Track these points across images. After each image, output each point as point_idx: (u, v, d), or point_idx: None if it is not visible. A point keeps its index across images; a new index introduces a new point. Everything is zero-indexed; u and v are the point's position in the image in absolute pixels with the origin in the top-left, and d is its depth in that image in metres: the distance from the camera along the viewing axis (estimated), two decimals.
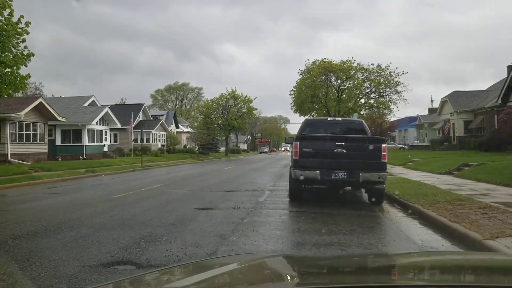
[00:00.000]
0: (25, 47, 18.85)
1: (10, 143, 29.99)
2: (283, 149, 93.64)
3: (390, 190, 12.14)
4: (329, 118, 13.85)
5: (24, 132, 31.98)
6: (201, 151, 58.45)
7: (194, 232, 7.23)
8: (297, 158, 10.53)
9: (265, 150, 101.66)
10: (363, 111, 49.26)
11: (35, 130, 33.22)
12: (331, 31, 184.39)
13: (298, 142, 10.53)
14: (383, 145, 10.48)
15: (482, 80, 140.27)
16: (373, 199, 11.11)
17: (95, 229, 7.49)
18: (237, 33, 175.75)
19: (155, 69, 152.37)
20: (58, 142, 39.21)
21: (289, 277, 1.87)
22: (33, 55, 18.74)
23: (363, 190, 12.30)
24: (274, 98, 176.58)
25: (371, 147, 10.42)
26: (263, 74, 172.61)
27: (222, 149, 76.72)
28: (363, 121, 13.66)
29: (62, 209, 10.06)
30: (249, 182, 16.93)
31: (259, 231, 7.35)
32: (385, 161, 10.54)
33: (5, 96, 19.63)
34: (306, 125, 13.03)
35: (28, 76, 19.24)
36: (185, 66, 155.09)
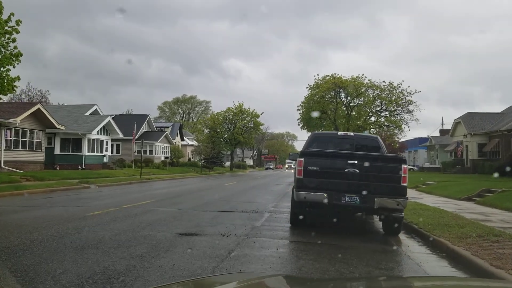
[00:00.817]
0: (15, 47, 17.57)
1: (4, 150, 28.68)
2: (286, 166, 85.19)
3: (407, 218, 10.45)
4: (339, 133, 12.20)
5: (20, 139, 30.69)
6: (205, 165, 56.91)
7: (163, 270, 5.61)
8: (301, 177, 8.90)
9: (271, 166, 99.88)
10: (373, 129, 47.55)
11: (31, 137, 31.92)
12: (337, 50, 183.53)
13: (302, 159, 8.92)
14: (404, 165, 8.84)
15: (490, 103, 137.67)
16: (389, 229, 9.46)
17: (40, 260, 5.89)
18: (244, 49, 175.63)
19: (163, 82, 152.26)
20: (57, 150, 37.89)
21: None
22: (21, 55, 17.42)
23: (375, 216, 10.67)
24: (279, 114, 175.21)
25: (389, 167, 8.80)
26: (269, 90, 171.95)
27: (227, 163, 75.12)
28: (378, 137, 12.01)
29: (16, 229, 8.47)
30: (248, 201, 15.29)
31: (248, 272, 5.72)
32: (406, 184, 8.90)
33: None
34: (313, 139, 11.42)
35: (18, 78, 17.90)
36: (192, 80, 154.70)
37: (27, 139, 31.46)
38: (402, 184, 8.78)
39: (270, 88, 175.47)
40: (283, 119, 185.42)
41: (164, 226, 9.24)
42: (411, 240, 9.23)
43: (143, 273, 5.40)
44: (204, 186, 25.50)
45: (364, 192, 8.68)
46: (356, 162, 8.79)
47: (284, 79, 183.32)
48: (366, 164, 8.78)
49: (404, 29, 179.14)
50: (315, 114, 44.35)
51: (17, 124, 28.88)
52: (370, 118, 48.21)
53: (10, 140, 29.70)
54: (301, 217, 9.66)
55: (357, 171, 8.75)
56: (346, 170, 8.76)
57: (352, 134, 11.84)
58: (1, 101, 19.52)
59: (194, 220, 10.34)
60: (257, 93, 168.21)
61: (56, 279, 4.99)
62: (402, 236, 9.48)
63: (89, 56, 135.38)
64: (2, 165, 28.22)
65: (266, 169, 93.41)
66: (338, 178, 8.79)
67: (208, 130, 66.73)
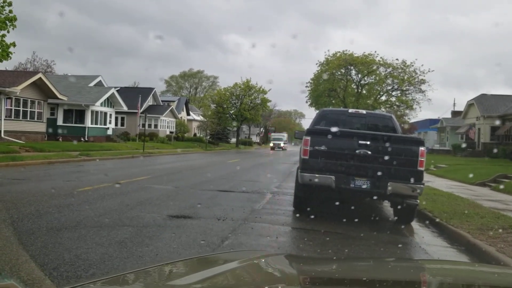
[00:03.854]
0: (10, 11, 16.65)
1: (4, 119, 28.02)
2: (271, 144, 67.56)
3: (420, 204, 9.60)
4: (350, 110, 11.23)
5: (21, 109, 29.96)
6: (211, 140, 56.18)
7: (143, 261, 4.84)
8: (306, 157, 8.04)
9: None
10: (383, 108, 46.35)
11: (33, 107, 31.18)
12: (337, 28, 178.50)
13: (309, 137, 8.04)
14: (422, 148, 7.95)
15: (494, 85, 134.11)
16: (402, 217, 8.64)
17: (3, 244, 5.15)
18: (242, 24, 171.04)
19: (163, 56, 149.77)
20: (59, 121, 37.21)
21: (292, 277, 1.84)
22: (16, 19, 16.51)
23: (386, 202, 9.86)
24: (281, 92, 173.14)
25: (405, 149, 7.92)
26: (270, 67, 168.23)
27: (233, 140, 74.34)
28: (393, 116, 11.05)
29: None
30: (250, 180, 14.52)
31: (252, 250, 5.00)
32: (423, 169, 8.03)
33: None
34: (321, 117, 10.50)
35: (13, 44, 17.03)
36: (192, 54, 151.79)
37: (28, 109, 30.75)
38: (418, 168, 7.92)
39: (271, 65, 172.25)
40: (286, 96, 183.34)
41: (156, 207, 8.49)
42: (425, 229, 8.45)
43: (118, 265, 4.64)
44: (207, 163, 24.79)
45: (376, 176, 7.83)
46: (368, 142, 7.92)
47: (284, 56, 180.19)
48: (379, 145, 7.92)
49: (404, 8, 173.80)
50: (325, 76, 43.05)
51: (18, 93, 28.12)
52: (381, 97, 46.96)
53: (11, 109, 29.00)
54: (305, 200, 8.85)
55: (369, 152, 7.88)
56: (356, 151, 7.90)
57: (364, 112, 10.91)
58: None
59: (190, 200, 9.58)
60: (258, 69, 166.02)
61: (13, 270, 4.24)
62: (415, 224, 8.70)
63: (88, 27, 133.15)
64: (2, 135, 27.63)
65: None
66: (348, 160, 7.94)
67: (215, 105, 65.69)
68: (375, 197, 8.84)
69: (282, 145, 65.61)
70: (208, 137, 56.21)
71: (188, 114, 69.02)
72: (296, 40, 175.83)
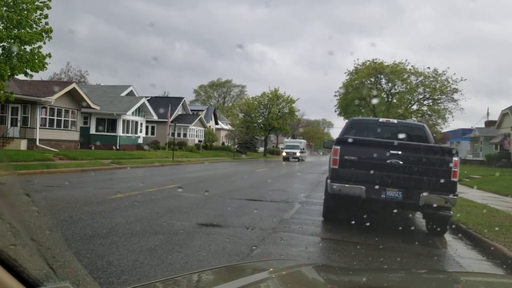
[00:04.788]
0: (46, 23, 17.28)
1: (39, 128, 28.97)
2: (284, 153, 54.44)
3: (453, 215, 9.34)
4: (381, 119, 11.08)
5: (55, 118, 30.92)
6: (238, 149, 56.43)
7: (173, 268, 4.88)
8: (336, 167, 7.96)
9: (306, 153, 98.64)
10: (414, 118, 45.50)
11: (67, 116, 32.14)
12: (363, 37, 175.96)
13: (338, 147, 7.97)
14: (455, 158, 7.75)
15: None
16: (434, 229, 8.43)
17: None
18: (266, 34, 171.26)
19: (189, 66, 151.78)
20: (92, 130, 38.19)
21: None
22: (52, 31, 17.10)
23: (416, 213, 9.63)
24: (309, 101, 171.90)
25: (438, 160, 7.74)
26: (296, 76, 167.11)
27: (261, 149, 74.41)
28: (425, 125, 10.83)
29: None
30: (278, 190, 14.46)
31: (282, 259, 4.95)
32: (456, 180, 7.82)
33: (25, 76, 18.01)
34: (350, 126, 10.39)
35: (49, 55, 17.64)
36: (219, 64, 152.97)
37: (62, 118, 31.69)
38: (452, 179, 7.72)
39: (297, 74, 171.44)
40: (314, 105, 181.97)
41: (185, 214, 8.56)
42: (458, 242, 8.21)
43: (149, 272, 4.69)
44: (235, 172, 24.88)
45: (408, 187, 7.68)
46: (399, 152, 7.78)
47: (310, 65, 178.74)
48: (411, 155, 7.77)
49: (429, 16, 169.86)
50: (365, 90, 42.66)
51: (52, 102, 29.05)
52: (411, 106, 46.13)
53: (46, 118, 29.96)
54: (334, 211, 8.75)
55: (401, 162, 7.74)
56: (387, 161, 7.77)
57: (395, 121, 10.74)
58: (32, 78, 19.35)
59: (219, 209, 9.62)
60: (284, 78, 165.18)
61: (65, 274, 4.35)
62: (448, 236, 8.46)
63: (117, 38, 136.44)
64: (37, 143, 28.55)
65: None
66: (379, 170, 7.81)
67: (243, 114, 66.04)
68: (407, 209, 8.67)
69: (298, 154, 52.33)
70: (236, 146, 56.49)
71: (216, 123, 69.62)
72: (322, 49, 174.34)
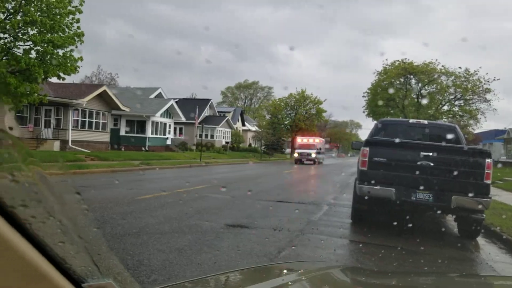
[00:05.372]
0: (78, 27, 17.76)
1: (71, 129, 29.77)
2: (296, 154, 45.65)
3: (486, 218, 9.08)
4: (411, 120, 10.89)
5: (87, 120, 31.70)
6: (265, 151, 56.46)
7: (202, 269, 4.93)
8: (365, 169, 7.86)
9: (333, 155, 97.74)
10: (445, 119, 44.47)
11: (98, 118, 32.90)
12: (388, 37, 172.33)
13: (367, 148, 7.87)
14: (488, 160, 7.54)
15: None
16: (466, 232, 8.21)
17: None
18: (290, 35, 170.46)
19: (215, 68, 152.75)
20: (122, 132, 38.96)
21: None
22: (83, 34, 17.56)
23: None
24: (337, 102, 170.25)
25: (470, 161, 7.54)
26: (322, 77, 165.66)
27: (288, 150, 74.28)
28: (456, 126, 10.58)
29: None
30: (306, 191, 14.41)
31: (312, 261, 4.93)
32: (489, 182, 7.60)
33: (58, 79, 18.54)
34: (380, 127, 10.24)
35: (80, 58, 18.11)
36: (244, 66, 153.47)
37: (93, 120, 32.46)
38: (485, 181, 7.51)
39: (323, 75, 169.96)
40: (341, 106, 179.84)
41: (213, 215, 8.63)
42: (492, 245, 7.97)
43: (178, 272, 4.75)
44: (262, 173, 24.89)
45: (439, 189, 7.51)
46: (430, 154, 7.61)
47: (336, 65, 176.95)
48: (443, 156, 7.60)
49: (456, 16, 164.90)
50: (391, 90, 41.95)
51: (84, 105, 29.80)
52: (442, 107, 45.11)
53: (77, 120, 30.75)
54: (363, 213, 8.65)
55: (432, 164, 7.57)
56: (418, 163, 7.62)
57: (425, 122, 10.53)
58: (65, 81, 19.94)
59: (246, 210, 9.65)
60: (310, 79, 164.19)
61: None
62: (481, 240, 8.24)
63: (144, 42, 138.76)
64: (70, 144, 29.33)
65: (328, 157, 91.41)
66: (409, 172, 7.66)
67: (270, 116, 66.06)
68: (438, 211, 8.48)
69: (313, 155, 43.32)
70: (263, 147, 56.55)
71: (243, 124, 69.87)
72: (347, 49, 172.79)
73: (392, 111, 44.87)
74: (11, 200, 0.62)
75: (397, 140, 8.43)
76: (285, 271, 2.14)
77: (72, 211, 1.08)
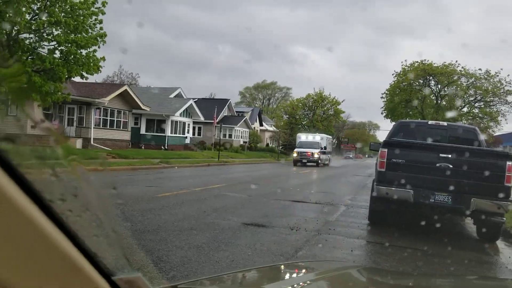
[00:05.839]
0: (101, 28, 18.10)
1: (93, 127, 30.32)
2: (295, 153, 37.45)
3: (506, 221, 8.97)
4: (430, 122, 10.82)
5: (108, 118, 32.24)
6: (283, 151, 56.44)
7: (219, 266, 5.02)
8: (383, 170, 7.87)
9: (351, 156, 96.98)
10: (464, 121, 43.77)
11: (119, 117, 33.43)
12: (406, 37, 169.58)
13: (386, 149, 7.87)
14: (509, 162, 7.46)
15: None
16: (485, 235, 8.14)
17: None
18: (307, 35, 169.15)
19: (233, 68, 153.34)
20: (142, 130, 39.47)
21: None
22: (106, 35, 17.90)
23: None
24: (354, 103, 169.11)
25: (490, 164, 7.48)
26: (339, 78, 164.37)
27: None
28: (476, 128, 10.47)
29: None
30: (323, 192, 14.40)
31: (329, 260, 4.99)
32: (510, 185, 7.52)
33: (81, 78, 18.95)
34: (398, 128, 10.21)
35: (103, 59, 18.47)
36: (262, 66, 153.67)
37: (115, 119, 33.00)
38: (505, 184, 7.43)
39: (340, 75, 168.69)
40: (358, 107, 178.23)
41: (230, 214, 8.73)
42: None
43: (196, 268, 4.86)
44: (279, 173, 24.93)
45: (458, 191, 7.47)
46: (449, 156, 7.58)
47: (353, 66, 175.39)
48: (462, 158, 7.54)
49: (474, 16, 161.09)
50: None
51: (106, 103, 30.34)
52: (462, 108, 44.43)
53: (99, 118, 31.30)
54: (381, 214, 8.64)
55: (451, 166, 7.54)
56: (437, 164, 7.59)
57: (445, 123, 10.44)
58: (87, 80, 20.40)
59: (263, 209, 9.74)
60: (328, 80, 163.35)
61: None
62: (500, 243, 8.16)
63: (163, 42, 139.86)
64: (92, 142, 29.86)
65: (345, 158, 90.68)
66: (427, 174, 7.64)
67: (287, 116, 66.00)
68: (456, 214, 8.42)
69: (316, 155, 36.18)
70: (280, 147, 56.54)
71: (261, 124, 69.98)
72: (364, 50, 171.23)
73: (410, 113, 44.39)
74: (50, 194, 0.66)
75: (415, 142, 8.42)
76: (303, 270, 2.15)
77: (107, 206, 1.14)
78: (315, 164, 35.93)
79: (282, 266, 2.68)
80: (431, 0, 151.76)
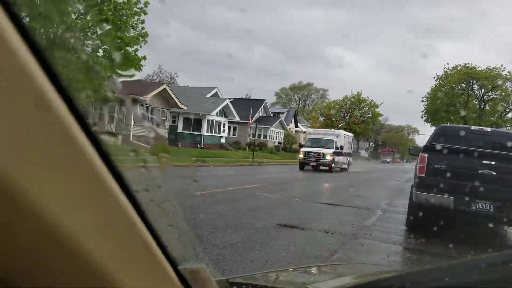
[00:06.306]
0: (143, 28, 18.60)
1: (133, 124, 31.09)
2: (300, 154, 28.97)
3: None
4: (473, 127, 10.49)
5: (148, 116, 32.98)
6: None
7: (254, 266, 5.05)
8: (422, 175, 7.71)
9: (388, 160, 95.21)
10: (508, 127, 42.09)
11: (157, 115, 34.16)
12: (445, 40, 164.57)
13: (426, 154, 7.70)
14: None
15: None
16: None
17: None
18: (342, 37, 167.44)
19: (269, 69, 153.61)
20: (179, 129, 40.16)
21: None
22: (147, 35, 18.37)
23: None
24: (391, 106, 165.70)
25: None
26: (376, 80, 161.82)
27: None
28: None
29: None
30: (358, 196, 14.20)
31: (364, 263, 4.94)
32: None
33: (123, 76, 19.52)
34: (439, 133, 9.92)
35: (144, 58, 18.97)
36: (297, 68, 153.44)
37: (154, 116, 33.72)
38: None
39: (377, 78, 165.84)
40: (396, 111, 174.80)
41: (265, 214, 8.75)
42: None
43: (231, 267, 4.90)
44: (313, 175, 24.77)
45: (502, 200, 7.21)
46: (493, 162, 7.33)
47: (391, 69, 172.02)
48: (506, 165, 7.28)
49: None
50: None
51: (147, 101, 31.11)
52: (506, 114, 42.75)
53: (139, 116, 32.06)
54: (419, 221, 8.43)
55: (494, 173, 7.28)
56: (479, 171, 7.35)
57: (488, 129, 10.09)
58: (130, 78, 21.03)
59: (297, 211, 9.71)
60: (365, 82, 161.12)
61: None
62: None
63: (201, 43, 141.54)
64: (131, 139, 30.65)
65: (382, 162, 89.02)
66: (469, 180, 7.40)
67: (323, 118, 65.51)
68: (498, 222, 8.11)
69: (329, 157, 28.06)
70: None
71: (296, 126, 69.70)
72: (403, 53, 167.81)
73: (452, 117, 43.09)
74: (137, 185, 0.72)
75: (457, 147, 8.17)
76: (343, 271, 2.13)
77: (184, 197, 1.18)
78: (327, 168, 27.87)
79: (319, 267, 2.66)
80: (471, 2, 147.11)
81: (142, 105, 31.32)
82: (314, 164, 27.60)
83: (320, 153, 27.67)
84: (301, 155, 28.50)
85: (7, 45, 0.33)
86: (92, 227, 0.44)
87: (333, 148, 28.74)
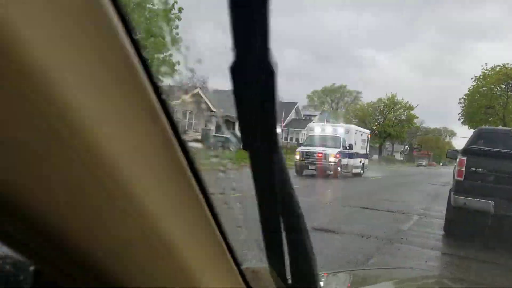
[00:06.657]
0: (177, 33, 18.89)
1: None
2: (297, 155, 21.84)
3: None
4: None
5: (181, 119, 33.58)
6: None
7: None
8: (461, 179, 7.52)
9: (423, 163, 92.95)
10: None
11: (190, 118, 34.72)
12: (479, 41, 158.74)
13: (465, 158, 7.51)
14: None
15: None
16: None
17: None
18: (374, 39, 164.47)
19: (300, 71, 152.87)
20: (212, 132, 40.68)
21: None
22: (181, 40, 18.66)
23: None
24: (427, 108, 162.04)
25: None
26: (410, 82, 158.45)
27: (375, 156, 72.13)
28: None
29: None
30: (393, 200, 13.95)
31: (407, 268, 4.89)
32: None
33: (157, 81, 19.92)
34: (478, 136, 9.63)
35: (178, 62, 19.19)
36: (329, 70, 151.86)
37: (186, 120, 34.32)
38: None
39: (411, 80, 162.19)
40: (432, 113, 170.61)
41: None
42: None
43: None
44: (347, 178, 24.50)
45: None
46: None
47: (425, 71, 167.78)
48: None
49: None
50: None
51: (179, 105, 31.71)
52: None
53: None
54: (458, 225, 8.22)
55: None
56: None
57: None
58: (163, 83, 21.47)
59: (331, 215, 9.64)
60: (398, 85, 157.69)
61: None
62: None
63: (229, 46, 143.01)
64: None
65: (418, 165, 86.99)
66: (510, 184, 7.19)
67: (357, 120, 64.75)
68: None
69: (332, 159, 21.44)
70: None
71: None
72: (437, 54, 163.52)
73: (491, 119, 41.73)
74: (213, 188, 0.75)
75: (497, 150, 7.93)
76: (385, 275, 2.12)
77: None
78: (331, 172, 21.68)
79: (357, 272, 2.65)
80: (506, 1, 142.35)
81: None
82: (313, 168, 21.43)
83: (322, 153, 21.45)
84: (297, 156, 22.06)
85: (122, 52, 0.37)
86: (181, 229, 0.48)
87: (339, 148, 22.57)
